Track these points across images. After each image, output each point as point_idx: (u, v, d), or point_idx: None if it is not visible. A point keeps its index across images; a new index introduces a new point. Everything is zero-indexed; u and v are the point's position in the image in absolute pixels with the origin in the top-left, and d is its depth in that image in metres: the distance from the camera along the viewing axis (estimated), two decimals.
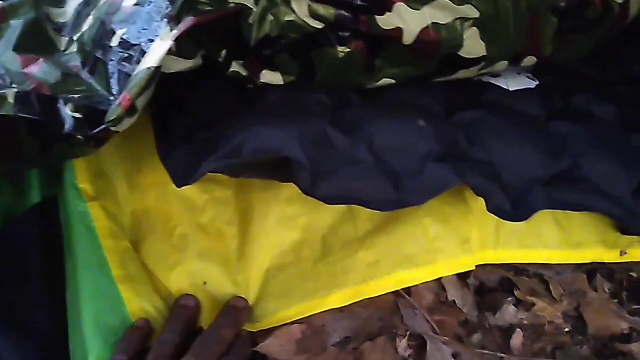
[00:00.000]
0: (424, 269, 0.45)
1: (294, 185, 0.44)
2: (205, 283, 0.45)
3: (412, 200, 0.42)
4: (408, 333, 0.43)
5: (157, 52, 0.37)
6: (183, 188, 0.42)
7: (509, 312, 0.45)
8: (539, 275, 0.49)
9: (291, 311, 0.44)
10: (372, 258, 0.45)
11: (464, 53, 0.44)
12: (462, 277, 0.47)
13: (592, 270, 0.50)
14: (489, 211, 0.43)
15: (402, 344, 0.42)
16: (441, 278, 0.46)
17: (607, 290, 0.49)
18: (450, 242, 0.46)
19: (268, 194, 0.47)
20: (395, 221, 0.47)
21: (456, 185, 0.42)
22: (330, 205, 0.45)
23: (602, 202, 0.46)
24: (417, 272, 0.45)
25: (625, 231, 0.48)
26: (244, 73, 0.43)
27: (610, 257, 0.50)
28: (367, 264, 0.45)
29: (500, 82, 0.52)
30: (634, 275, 0.50)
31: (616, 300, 0.48)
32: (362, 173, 0.42)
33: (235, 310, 0.43)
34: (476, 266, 0.47)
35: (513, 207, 0.44)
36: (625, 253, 0.49)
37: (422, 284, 0.45)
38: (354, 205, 0.46)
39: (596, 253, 0.49)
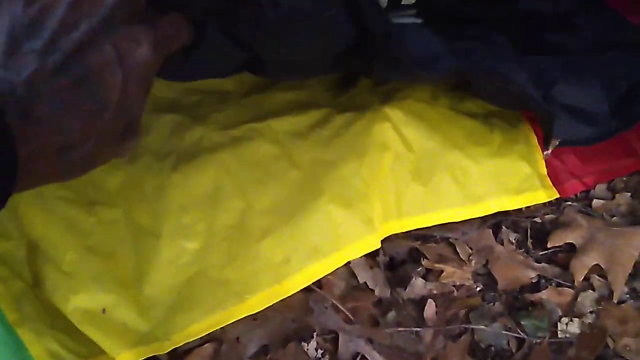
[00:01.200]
0: (332, 256, 0.45)
1: (188, 192, 0.45)
2: (104, 310, 0.42)
3: None
4: (315, 333, 0.43)
5: None
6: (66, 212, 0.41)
7: (418, 285, 0.46)
8: (445, 239, 0.49)
9: (203, 323, 0.42)
10: (281, 256, 0.44)
11: None
12: (372, 255, 0.47)
13: (496, 223, 0.51)
14: None
15: (312, 345, 0.42)
16: (349, 263, 0.46)
17: (513, 241, 0.50)
18: (354, 225, 0.46)
19: (160, 206, 0.45)
20: (300, 211, 0.46)
21: None
22: (227, 203, 0.45)
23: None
24: (326, 261, 0.44)
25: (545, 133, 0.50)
26: None
27: (513, 202, 0.51)
28: (277, 263, 0.44)
29: None
30: (538, 220, 0.51)
31: (522, 250, 0.49)
32: None
33: None
34: (384, 240, 0.47)
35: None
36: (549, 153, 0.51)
37: (331, 273, 0.44)
38: (251, 199, 0.46)
39: (498, 202, 0.50)
